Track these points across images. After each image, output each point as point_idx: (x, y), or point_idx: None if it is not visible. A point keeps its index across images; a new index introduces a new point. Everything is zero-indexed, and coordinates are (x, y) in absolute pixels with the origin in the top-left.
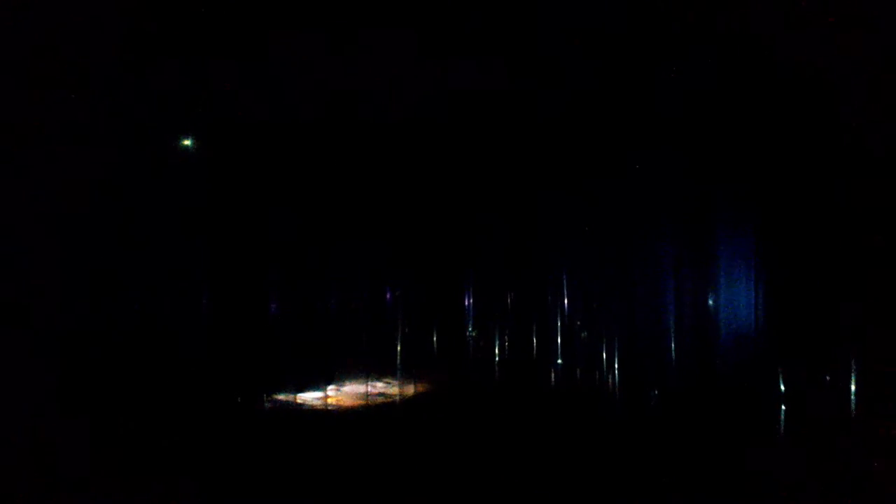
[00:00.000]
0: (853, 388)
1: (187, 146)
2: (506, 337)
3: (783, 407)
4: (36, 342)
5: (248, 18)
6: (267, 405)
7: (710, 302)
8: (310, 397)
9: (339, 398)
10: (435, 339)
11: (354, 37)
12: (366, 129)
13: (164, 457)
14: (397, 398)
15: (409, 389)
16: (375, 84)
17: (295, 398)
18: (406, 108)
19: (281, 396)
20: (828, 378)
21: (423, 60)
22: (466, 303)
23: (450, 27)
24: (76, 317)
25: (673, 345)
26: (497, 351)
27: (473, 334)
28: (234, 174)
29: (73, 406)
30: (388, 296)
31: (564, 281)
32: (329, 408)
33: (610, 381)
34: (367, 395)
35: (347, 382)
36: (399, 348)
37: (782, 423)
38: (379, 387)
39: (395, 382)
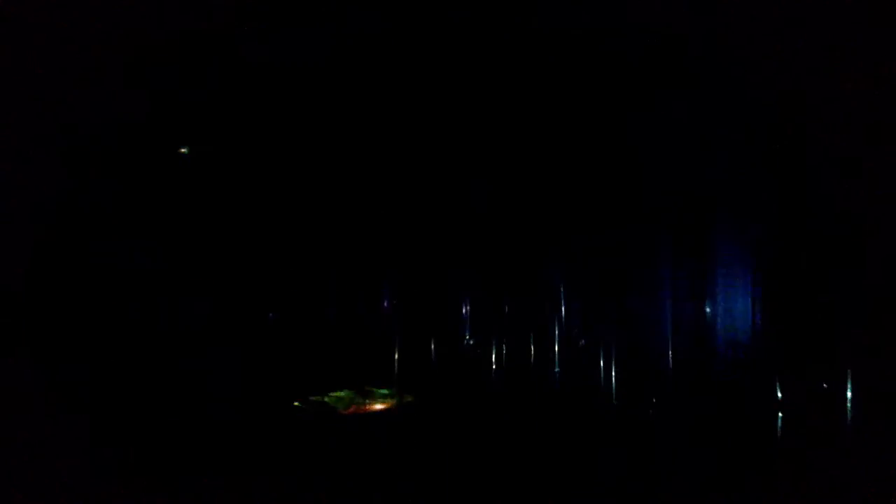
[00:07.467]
0: (850, 395)
1: (187, 149)
2: (503, 345)
3: (780, 414)
4: (35, 343)
5: None
6: (263, 413)
7: (708, 309)
8: (307, 405)
9: (336, 406)
10: (433, 346)
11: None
12: (365, 136)
13: (163, 461)
14: (395, 406)
15: (407, 397)
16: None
17: (292, 406)
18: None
19: (277, 404)
20: (825, 385)
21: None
22: (463, 311)
23: None
24: (76, 318)
25: (670, 352)
26: (494, 358)
27: (471, 342)
28: (236, 179)
29: (73, 408)
30: (385, 304)
31: (562, 289)
32: (326, 415)
33: (608, 388)
34: (364, 403)
35: (345, 390)
36: (397, 356)
37: (779, 430)
38: (376, 395)
39: (393, 390)
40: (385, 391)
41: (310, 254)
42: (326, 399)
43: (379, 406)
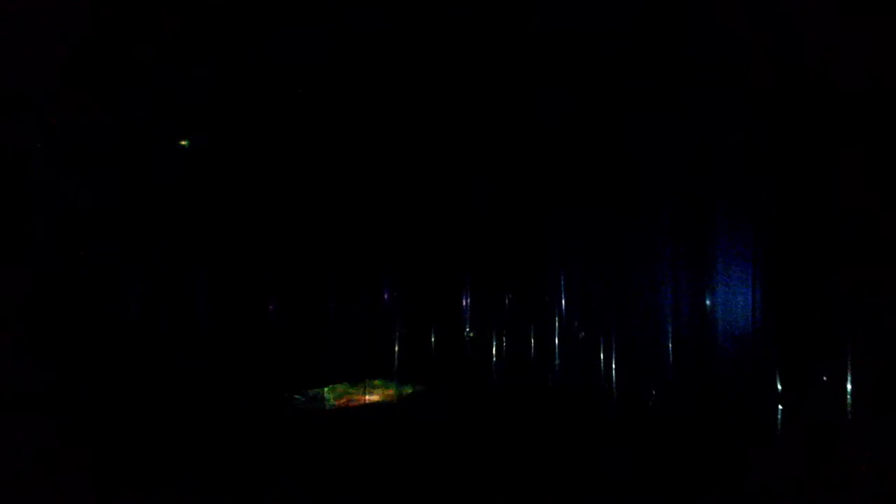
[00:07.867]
0: (849, 388)
1: (186, 145)
2: (503, 338)
3: (780, 407)
4: (34, 345)
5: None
6: (264, 407)
7: (708, 302)
8: (307, 399)
9: (336, 399)
10: (433, 340)
11: None
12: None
13: (163, 458)
14: (395, 399)
15: (407, 390)
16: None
17: (292, 400)
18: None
19: (278, 398)
20: (825, 378)
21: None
22: (464, 304)
23: None
24: (74, 317)
25: (670, 345)
26: (494, 352)
27: (471, 335)
28: (236, 174)
29: (72, 408)
30: (385, 297)
31: (562, 282)
32: (326, 409)
33: (608, 381)
34: (358, 394)
35: (345, 384)
36: (397, 349)
37: (779, 423)
38: (376, 388)
39: (393, 383)
40: (378, 382)
41: (310, 248)
42: (325, 391)
43: (373, 397)
